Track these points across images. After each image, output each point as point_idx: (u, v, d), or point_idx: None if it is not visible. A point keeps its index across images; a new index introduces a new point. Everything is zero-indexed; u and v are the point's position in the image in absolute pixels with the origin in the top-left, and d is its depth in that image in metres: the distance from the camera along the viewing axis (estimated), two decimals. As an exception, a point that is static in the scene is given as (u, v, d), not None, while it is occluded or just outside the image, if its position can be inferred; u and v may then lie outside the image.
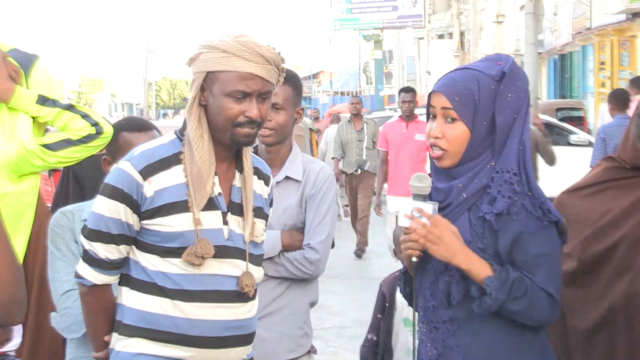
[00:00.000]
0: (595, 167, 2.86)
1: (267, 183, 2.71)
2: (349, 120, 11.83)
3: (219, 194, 2.53)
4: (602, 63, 24.23)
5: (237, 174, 2.58)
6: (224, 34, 2.49)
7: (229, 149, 2.54)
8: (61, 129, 3.05)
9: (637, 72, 22.31)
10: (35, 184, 3.11)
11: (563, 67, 31.81)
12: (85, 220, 2.63)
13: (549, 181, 9.14)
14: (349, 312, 8.13)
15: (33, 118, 3.05)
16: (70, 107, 3.07)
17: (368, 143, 11.64)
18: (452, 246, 2.38)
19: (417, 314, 2.58)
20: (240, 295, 2.53)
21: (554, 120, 16.35)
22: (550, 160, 8.97)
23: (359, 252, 11.48)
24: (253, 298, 2.59)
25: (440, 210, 2.47)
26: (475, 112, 2.42)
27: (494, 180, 2.39)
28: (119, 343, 2.52)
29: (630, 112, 8.55)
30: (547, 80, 34.87)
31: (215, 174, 2.51)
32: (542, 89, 30.97)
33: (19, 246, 3.07)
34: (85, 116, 3.07)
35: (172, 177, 2.47)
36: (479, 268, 2.38)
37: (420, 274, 2.52)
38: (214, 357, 2.52)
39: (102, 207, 2.48)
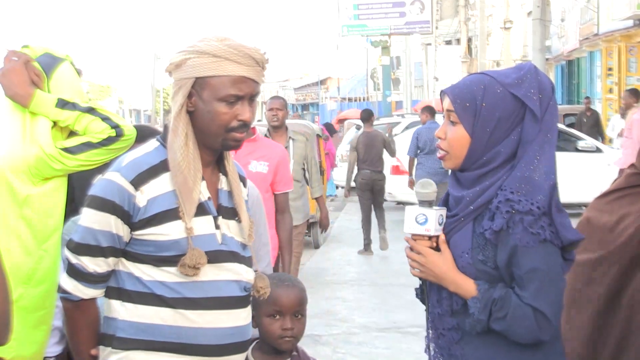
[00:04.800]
0: (621, 174, 2.94)
1: (245, 184, 2.69)
2: (265, 135, 7.02)
3: (209, 198, 2.50)
4: (610, 69, 24.18)
5: (222, 177, 2.57)
6: (207, 38, 2.46)
7: (214, 153, 2.53)
8: (82, 132, 3.04)
9: (645, 78, 22.29)
10: (61, 186, 3.10)
11: (570, 73, 31.79)
12: None
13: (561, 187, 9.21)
14: (356, 319, 8.11)
15: (54, 122, 3.05)
16: (90, 110, 3.04)
17: (294, 169, 7.34)
18: (436, 272, 2.46)
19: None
20: (239, 301, 2.51)
21: (562, 126, 16.33)
22: (392, 153, 12.69)
23: None
24: (249, 303, 2.58)
25: (448, 218, 2.49)
26: (475, 117, 2.43)
27: (498, 196, 2.38)
28: (113, 357, 2.47)
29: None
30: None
31: (203, 178, 2.49)
32: (549, 95, 30.83)
33: (53, 247, 3.07)
34: (105, 119, 3.05)
35: (161, 185, 2.44)
36: (465, 289, 2.42)
37: (430, 282, 2.54)
38: None
39: (91, 220, 2.43)
